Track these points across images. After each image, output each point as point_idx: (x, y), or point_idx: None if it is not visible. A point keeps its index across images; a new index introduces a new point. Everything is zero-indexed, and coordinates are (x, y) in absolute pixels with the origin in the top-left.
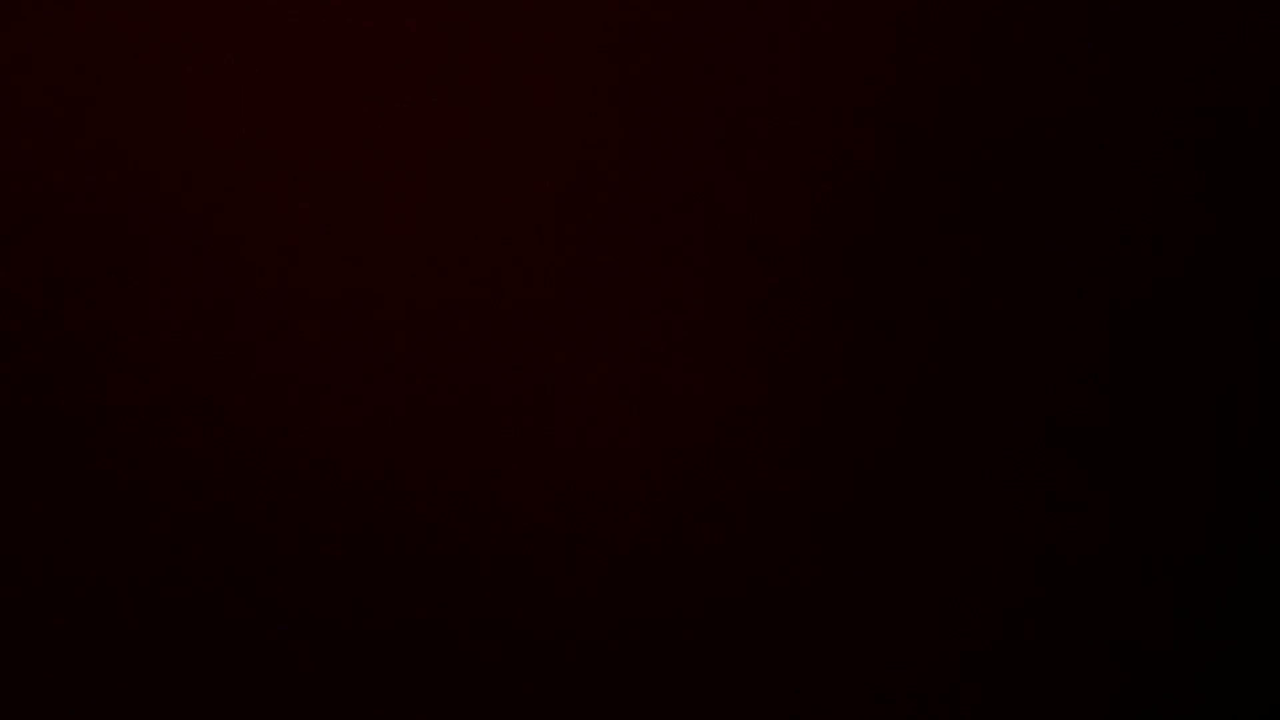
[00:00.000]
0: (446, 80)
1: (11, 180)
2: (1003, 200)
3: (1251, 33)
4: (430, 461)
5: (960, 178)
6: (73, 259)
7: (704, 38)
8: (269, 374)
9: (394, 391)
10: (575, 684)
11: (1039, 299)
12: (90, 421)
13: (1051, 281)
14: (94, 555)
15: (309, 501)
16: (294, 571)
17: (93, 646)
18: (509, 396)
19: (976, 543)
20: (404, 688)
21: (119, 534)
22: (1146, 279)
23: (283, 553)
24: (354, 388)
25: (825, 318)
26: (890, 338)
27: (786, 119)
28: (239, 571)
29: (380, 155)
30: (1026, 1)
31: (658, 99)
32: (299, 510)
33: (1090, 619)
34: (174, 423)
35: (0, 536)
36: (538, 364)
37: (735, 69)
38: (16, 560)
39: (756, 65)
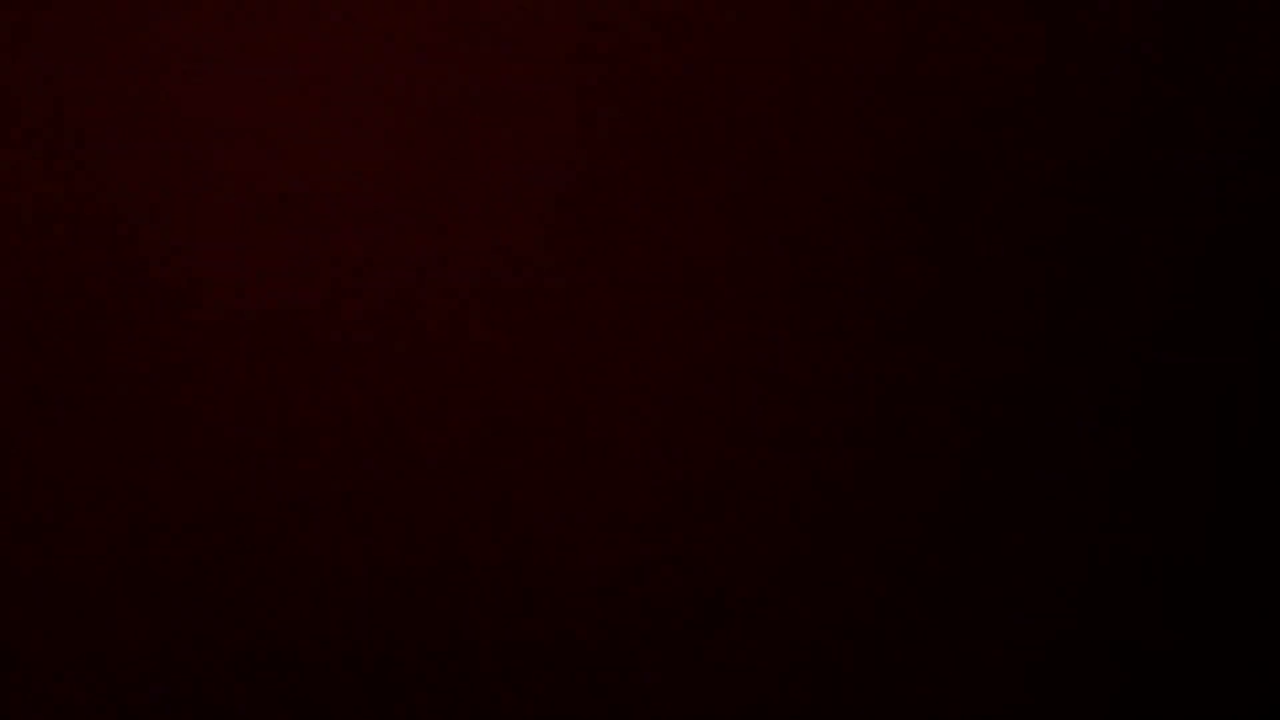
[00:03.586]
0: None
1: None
2: (1008, 199)
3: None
4: (439, 461)
5: (966, 176)
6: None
7: (721, 36)
8: (278, 374)
9: (406, 390)
10: (578, 684)
11: (1047, 297)
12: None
13: (1056, 280)
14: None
15: (319, 499)
16: (303, 568)
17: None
18: (522, 395)
19: (979, 543)
20: (413, 684)
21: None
22: (1152, 279)
23: (291, 553)
24: (366, 386)
25: (833, 320)
26: (898, 337)
27: (791, 118)
28: (245, 571)
29: (390, 155)
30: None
31: (665, 96)
32: (309, 508)
33: (1090, 618)
34: (181, 421)
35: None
36: (550, 364)
37: (749, 70)
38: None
39: (770, 66)
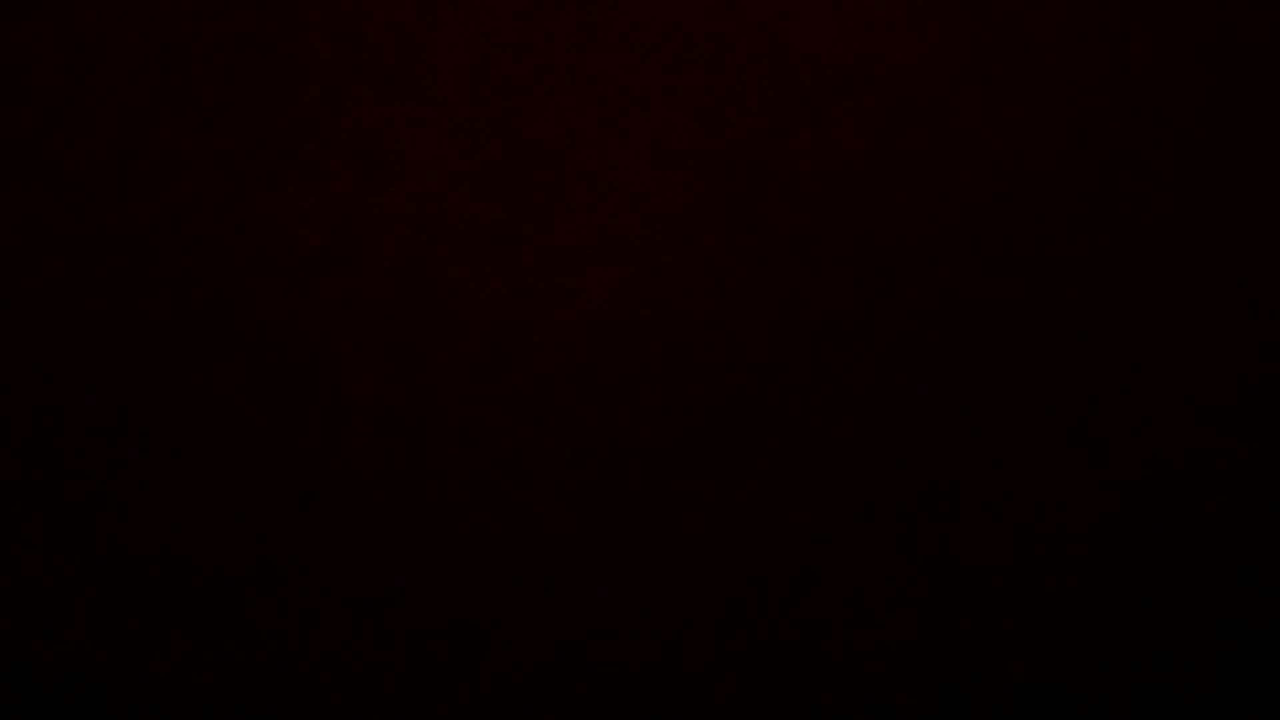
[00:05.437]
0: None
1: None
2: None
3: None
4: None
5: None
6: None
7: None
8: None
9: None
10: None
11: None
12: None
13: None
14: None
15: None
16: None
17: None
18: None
19: (980, 540)
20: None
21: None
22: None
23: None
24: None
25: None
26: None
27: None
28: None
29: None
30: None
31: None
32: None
33: (1090, 616)
34: (185, 403)
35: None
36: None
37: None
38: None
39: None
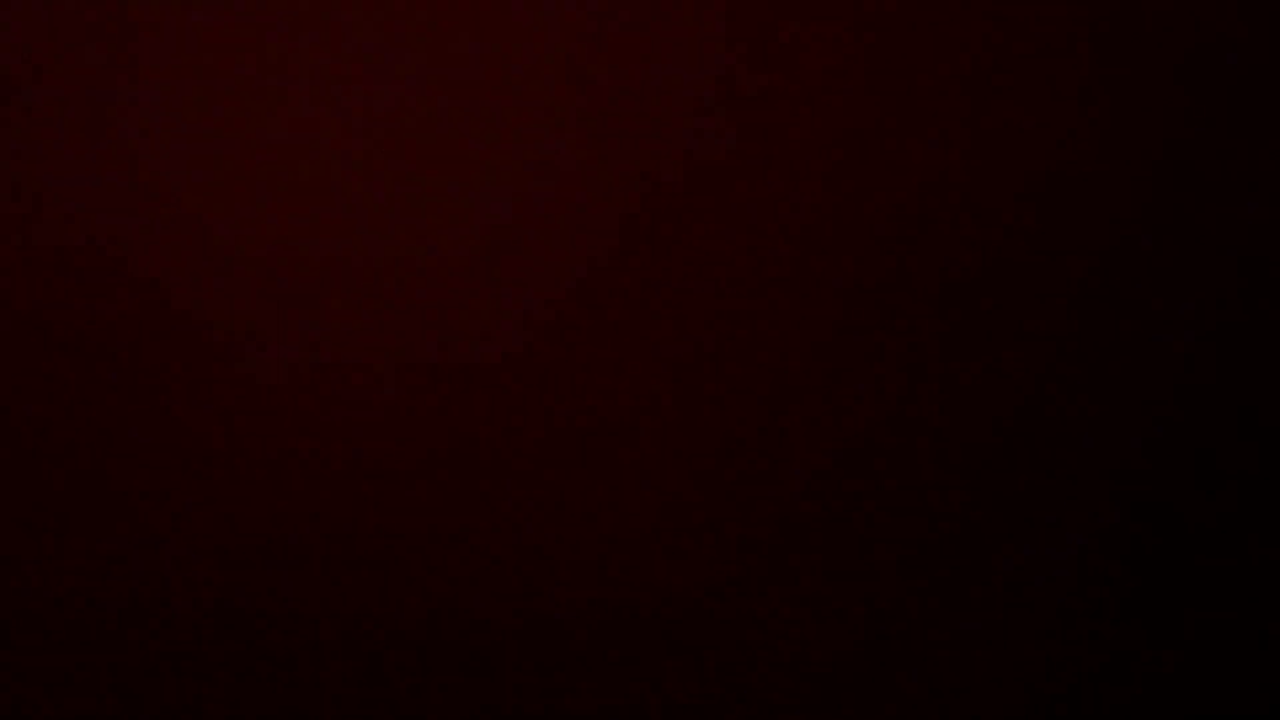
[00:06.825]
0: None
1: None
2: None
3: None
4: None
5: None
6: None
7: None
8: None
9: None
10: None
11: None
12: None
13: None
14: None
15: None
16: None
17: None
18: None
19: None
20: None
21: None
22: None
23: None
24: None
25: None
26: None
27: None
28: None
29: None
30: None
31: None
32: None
33: (1089, 619)
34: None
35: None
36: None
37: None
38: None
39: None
